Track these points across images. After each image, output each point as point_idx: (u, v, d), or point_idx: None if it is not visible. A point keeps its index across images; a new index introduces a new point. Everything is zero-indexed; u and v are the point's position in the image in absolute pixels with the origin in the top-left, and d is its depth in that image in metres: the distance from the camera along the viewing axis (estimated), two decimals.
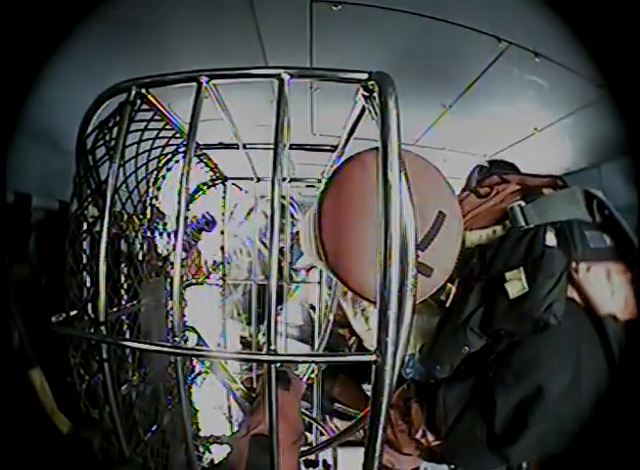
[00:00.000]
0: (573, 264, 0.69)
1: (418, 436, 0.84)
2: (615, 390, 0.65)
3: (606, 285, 0.69)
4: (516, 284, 0.67)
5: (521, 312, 0.66)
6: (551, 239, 0.71)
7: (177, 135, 0.79)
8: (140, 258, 0.79)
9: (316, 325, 1.49)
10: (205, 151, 1.04)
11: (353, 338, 1.96)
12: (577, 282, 0.69)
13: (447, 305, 0.77)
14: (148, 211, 0.81)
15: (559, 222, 0.72)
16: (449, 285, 0.76)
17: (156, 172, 0.81)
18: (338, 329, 1.90)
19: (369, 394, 0.41)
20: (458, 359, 0.73)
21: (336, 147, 0.90)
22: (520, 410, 0.67)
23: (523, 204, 0.75)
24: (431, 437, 0.82)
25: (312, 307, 2.11)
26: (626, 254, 0.70)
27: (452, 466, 1.07)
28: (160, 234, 0.90)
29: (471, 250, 0.77)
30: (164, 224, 0.91)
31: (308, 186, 1.33)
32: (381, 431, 0.42)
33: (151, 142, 0.74)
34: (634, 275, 0.69)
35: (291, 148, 0.92)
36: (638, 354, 0.64)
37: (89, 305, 0.57)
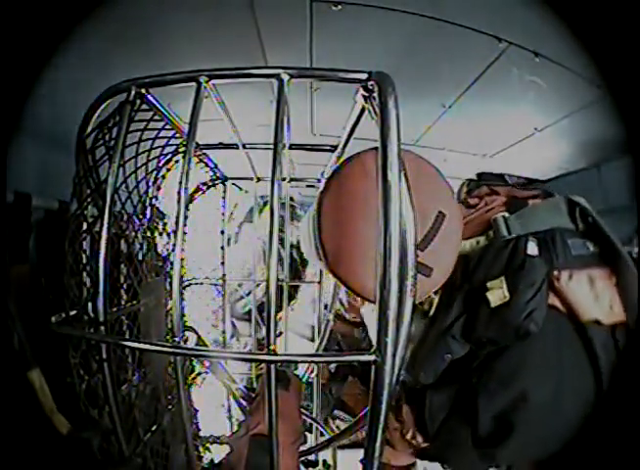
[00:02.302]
0: (555, 273, 0.70)
1: (409, 436, 0.86)
2: (600, 395, 0.66)
3: (588, 291, 0.70)
4: (497, 293, 0.69)
5: (502, 320, 0.68)
6: (532, 248, 0.72)
7: (177, 135, 0.79)
8: (140, 258, 0.79)
9: (316, 325, 1.50)
10: (205, 151, 1.04)
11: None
12: (559, 290, 0.70)
13: (430, 313, 0.78)
14: (148, 211, 0.81)
15: (542, 232, 0.73)
16: (431, 295, 0.77)
17: (156, 172, 0.81)
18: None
19: None
20: (442, 366, 0.74)
21: (336, 147, 0.90)
22: (504, 416, 0.68)
23: (507, 215, 0.77)
24: (420, 438, 0.83)
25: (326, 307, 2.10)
26: (610, 259, 0.71)
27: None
28: (160, 234, 0.90)
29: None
30: (164, 224, 0.91)
31: (308, 186, 1.33)
32: (380, 431, 0.42)
33: (151, 142, 0.74)
34: (619, 279, 0.70)
35: (291, 148, 0.92)
36: (629, 357, 0.65)
37: (89, 305, 0.57)
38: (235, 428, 1.44)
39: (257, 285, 2.22)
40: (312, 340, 2.06)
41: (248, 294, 2.26)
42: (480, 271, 0.72)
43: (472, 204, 0.85)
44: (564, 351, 0.69)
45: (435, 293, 0.77)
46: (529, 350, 0.68)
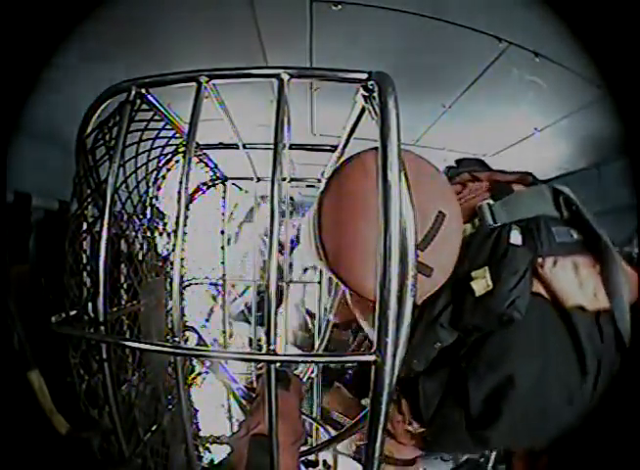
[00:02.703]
0: (540, 260, 0.71)
1: (409, 426, 0.87)
2: (584, 380, 0.68)
3: (573, 278, 0.71)
4: (481, 282, 0.69)
5: (486, 309, 0.69)
6: (516, 237, 0.72)
7: (177, 135, 0.79)
8: (140, 258, 0.79)
9: (315, 327, 1.49)
10: (205, 151, 1.04)
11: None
12: (543, 277, 0.71)
13: (418, 303, 0.78)
14: (148, 211, 0.81)
15: (525, 220, 0.74)
16: None
17: (156, 172, 0.81)
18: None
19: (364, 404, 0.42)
20: (433, 354, 0.76)
21: (336, 147, 0.90)
22: (492, 398, 0.70)
23: (491, 202, 0.76)
24: (416, 425, 0.85)
25: (309, 312, 2.10)
26: (594, 247, 0.72)
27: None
28: (160, 234, 0.90)
29: None
30: (164, 224, 0.91)
31: (308, 186, 1.33)
32: (380, 431, 0.42)
33: (151, 142, 0.74)
34: (602, 266, 0.72)
35: (291, 148, 0.92)
36: (615, 342, 0.68)
37: (89, 305, 0.57)
38: (235, 428, 1.44)
39: (247, 287, 2.23)
40: (296, 346, 2.06)
41: (241, 295, 2.26)
42: (466, 261, 0.72)
43: (457, 191, 0.82)
44: (549, 336, 0.70)
45: None
46: (515, 335, 0.69)
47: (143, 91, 0.57)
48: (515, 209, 0.75)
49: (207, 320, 2.20)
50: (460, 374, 0.74)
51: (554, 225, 0.74)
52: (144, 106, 0.60)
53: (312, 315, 1.89)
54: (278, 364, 0.45)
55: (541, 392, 0.69)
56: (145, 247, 0.82)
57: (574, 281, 0.70)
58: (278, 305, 1.65)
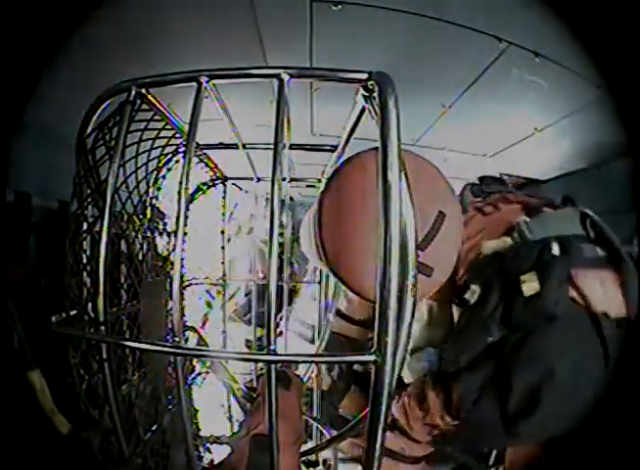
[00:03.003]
0: (572, 271, 0.83)
1: (434, 421, 0.96)
2: (607, 376, 0.79)
3: (599, 288, 0.83)
4: (530, 285, 0.82)
5: (534, 307, 0.81)
6: (556, 249, 0.86)
7: (177, 135, 0.79)
8: (140, 258, 0.79)
9: (316, 326, 1.49)
10: (205, 151, 1.04)
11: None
12: (576, 285, 0.83)
13: (472, 302, 0.92)
14: (148, 211, 0.81)
15: (559, 237, 0.87)
16: (474, 286, 0.93)
17: (156, 172, 0.81)
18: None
19: None
20: (480, 349, 0.87)
21: (336, 147, 0.90)
22: (533, 389, 0.81)
23: (527, 219, 0.92)
24: (449, 419, 0.94)
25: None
26: (616, 262, 0.86)
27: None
28: (161, 234, 0.90)
29: (488, 256, 0.95)
30: (164, 224, 0.91)
31: (308, 186, 1.33)
32: (380, 431, 0.42)
33: (151, 142, 0.74)
34: (622, 280, 0.84)
35: (291, 148, 0.92)
36: (630, 347, 0.78)
37: (89, 305, 0.57)
38: (235, 428, 1.44)
39: (238, 290, 2.22)
40: (312, 341, 2.04)
41: (232, 296, 2.25)
42: (514, 267, 0.86)
43: (487, 212, 1.03)
44: (582, 334, 0.81)
45: (477, 285, 0.91)
46: (556, 333, 0.81)
47: (143, 91, 0.57)
48: (548, 226, 0.90)
49: (203, 327, 2.21)
50: (503, 369, 0.84)
51: (582, 243, 0.87)
52: (144, 106, 0.60)
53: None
54: (278, 364, 0.45)
55: (574, 383, 0.79)
56: (145, 247, 0.82)
57: (600, 291, 0.83)
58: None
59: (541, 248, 0.85)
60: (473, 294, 0.92)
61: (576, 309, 0.82)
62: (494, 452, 1.37)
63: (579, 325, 0.81)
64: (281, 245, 1.95)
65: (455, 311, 1.06)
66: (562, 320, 0.80)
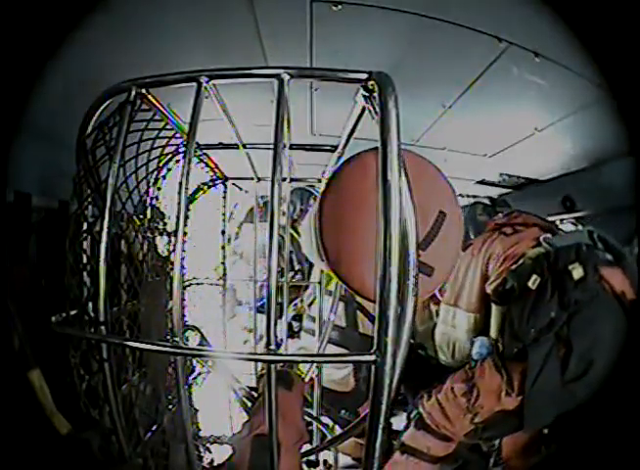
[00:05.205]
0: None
1: (488, 403, 1.17)
2: (628, 335, 1.06)
3: (615, 277, 1.16)
4: (577, 271, 1.13)
5: (583, 287, 1.11)
6: (583, 249, 1.19)
7: (177, 135, 0.79)
8: (140, 258, 0.79)
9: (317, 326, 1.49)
10: (205, 151, 1.04)
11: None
12: (601, 274, 1.16)
13: (534, 288, 1.18)
14: (148, 211, 0.81)
15: (579, 243, 1.20)
16: (534, 275, 1.19)
17: (156, 172, 0.81)
18: None
19: None
20: (544, 325, 1.11)
21: (336, 147, 0.90)
22: (589, 351, 1.07)
23: (549, 235, 1.27)
24: (510, 397, 1.15)
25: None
26: (622, 264, 1.19)
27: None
28: (161, 234, 0.90)
29: (532, 259, 1.22)
30: (164, 224, 0.91)
31: (308, 186, 1.33)
32: (381, 431, 0.42)
33: (151, 142, 0.74)
34: (629, 277, 1.17)
35: (291, 148, 0.92)
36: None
37: (89, 305, 0.57)
38: (235, 428, 1.43)
39: (225, 287, 2.20)
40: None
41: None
42: (560, 262, 1.16)
43: (508, 233, 1.34)
44: (614, 307, 1.11)
45: (538, 275, 1.19)
46: (598, 306, 1.11)
47: (143, 91, 0.57)
48: (567, 239, 1.24)
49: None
50: (561, 339, 1.10)
51: (594, 248, 1.20)
52: (144, 106, 0.60)
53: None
54: (279, 364, 0.45)
55: (613, 344, 1.05)
56: (145, 247, 0.82)
57: (616, 278, 1.15)
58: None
59: (576, 248, 1.17)
60: (534, 281, 1.18)
61: (607, 290, 1.13)
62: (494, 455, 1.41)
63: (611, 301, 1.11)
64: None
65: (494, 310, 1.29)
66: (601, 297, 1.11)
